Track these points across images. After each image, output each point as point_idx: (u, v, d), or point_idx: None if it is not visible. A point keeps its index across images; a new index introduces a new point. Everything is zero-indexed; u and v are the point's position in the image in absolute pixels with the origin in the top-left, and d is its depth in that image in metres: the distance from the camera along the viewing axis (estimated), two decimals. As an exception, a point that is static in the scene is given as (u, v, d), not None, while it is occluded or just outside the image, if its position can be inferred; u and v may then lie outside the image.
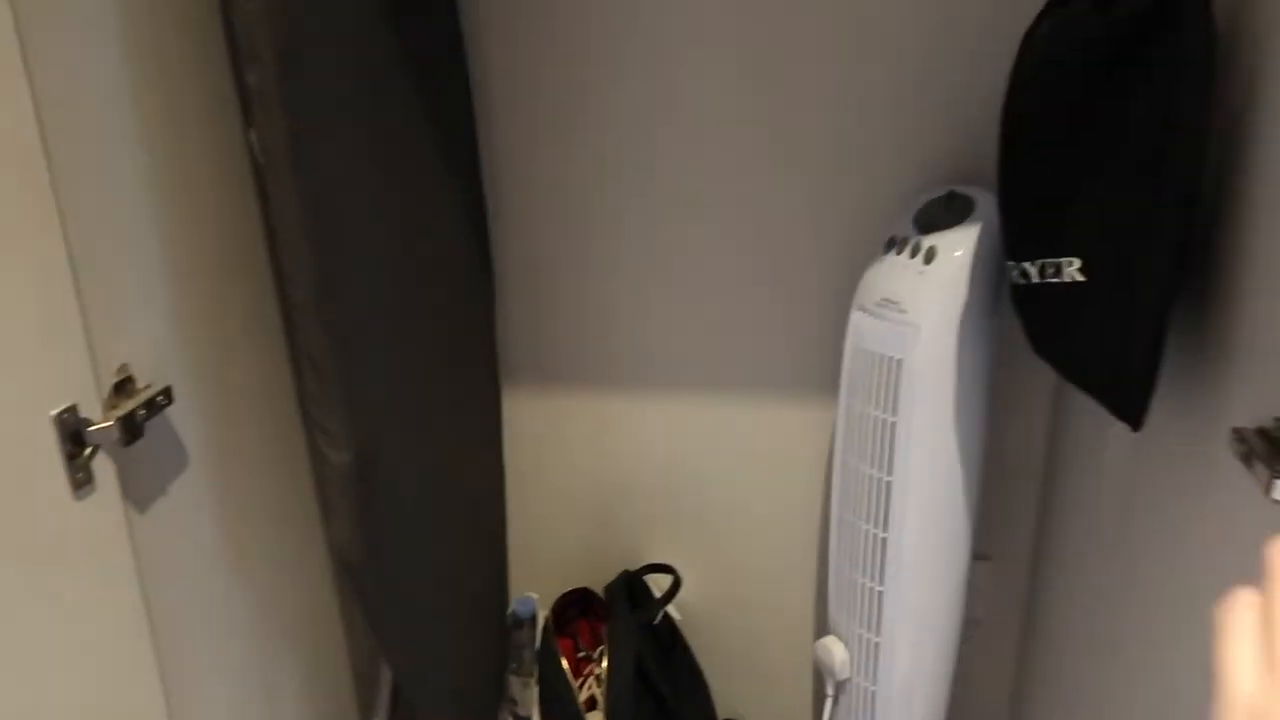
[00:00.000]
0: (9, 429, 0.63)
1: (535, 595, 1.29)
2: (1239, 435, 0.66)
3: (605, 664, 1.13)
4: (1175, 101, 0.69)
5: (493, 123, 1.16)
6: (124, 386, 0.75)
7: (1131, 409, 0.75)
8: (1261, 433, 0.65)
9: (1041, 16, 0.82)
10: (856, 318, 1.08)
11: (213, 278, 0.89)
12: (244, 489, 0.94)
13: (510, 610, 1.26)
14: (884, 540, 1.08)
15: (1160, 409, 0.83)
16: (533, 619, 1.25)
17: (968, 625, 1.23)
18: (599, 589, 1.29)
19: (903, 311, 1.01)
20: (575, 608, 1.29)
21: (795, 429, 1.24)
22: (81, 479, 0.70)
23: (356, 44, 0.86)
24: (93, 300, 0.71)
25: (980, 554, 1.27)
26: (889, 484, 1.06)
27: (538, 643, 1.24)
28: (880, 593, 1.10)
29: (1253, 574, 0.68)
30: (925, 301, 1.00)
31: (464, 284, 1.09)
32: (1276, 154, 0.68)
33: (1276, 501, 0.62)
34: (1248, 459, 0.65)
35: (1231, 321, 0.73)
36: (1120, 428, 0.79)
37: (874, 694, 1.15)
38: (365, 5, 0.87)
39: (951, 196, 1.05)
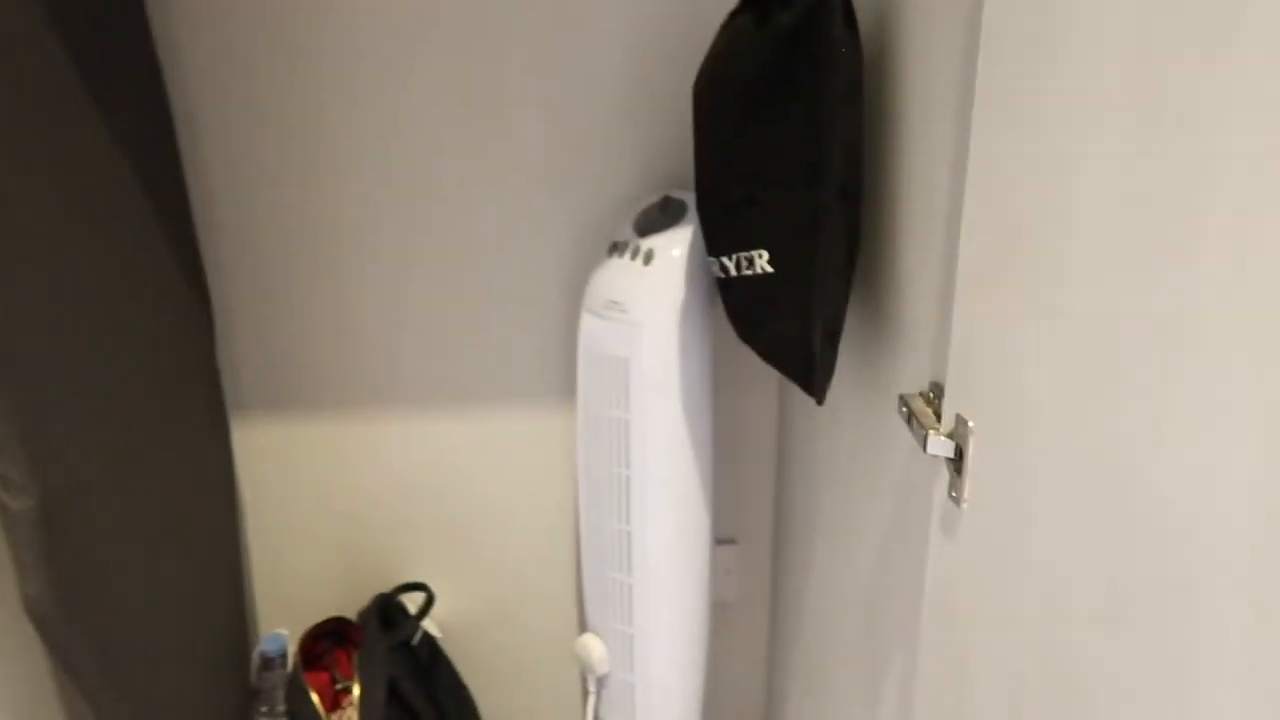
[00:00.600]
0: None
1: (286, 632, 1.24)
2: (903, 400, 0.74)
3: (358, 691, 1.10)
4: (826, 111, 0.76)
5: (202, 147, 1.10)
6: None
7: (816, 385, 0.82)
8: (920, 396, 0.73)
9: (721, 28, 0.88)
10: (586, 320, 1.11)
11: None
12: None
13: (258, 650, 1.20)
14: (628, 534, 1.11)
15: (846, 383, 0.92)
16: (284, 656, 1.19)
17: (718, 609, 1.29)
18: (355, 617, 1.25)
19: (625, 312, 1.05)
20: (329, 639, 1.24)
21: (541, 434, 1.26)
22: None
23: (22, 62, 0.80)
24: None
25: (726, 538, 1.34)
26: (628, 478, 1.09)
27: (291, 680, 1.18)
28: (630, 585, 1.13)
29: (922, 524, 0.76)
30: (646, 301, 1.05)
31: (175, 318, 1.03)
32: (920, 155, 0.76)
33: (933, 455, 0.69)
34: (909, 420, 0.72)
35: (896, 304, 0.82)
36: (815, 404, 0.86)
37: (633, 685, 1.18)
38: (27, 16, 0.80)
39: (666, 201, 1.11)
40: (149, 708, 0.91)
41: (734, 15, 0.82)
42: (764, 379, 1.27)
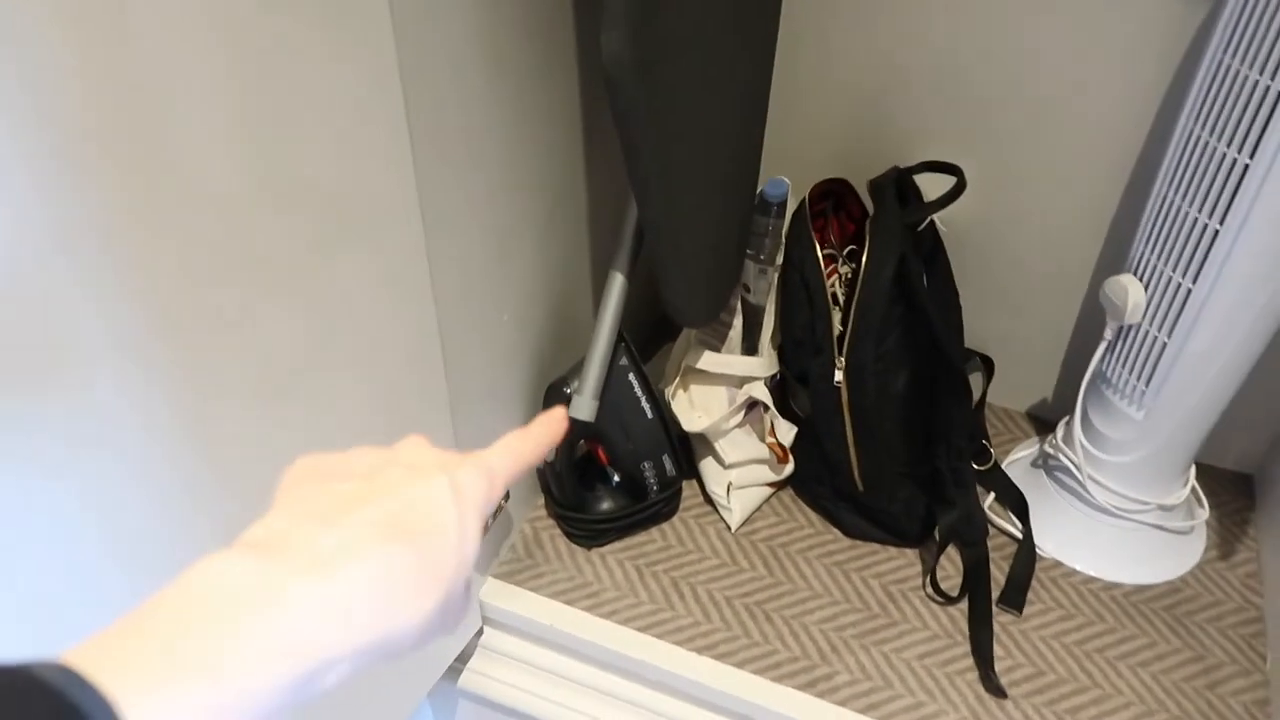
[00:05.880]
0: None
1: (788, 179, 1.17)
2: None
3: (864, 258, 1.02)
4: None
5: None
6: None
7: None
8: None
9: None
10: None
11: None
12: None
13: (759, 190, 1.15)
14: (1245, 167, 0.86)
15: None
16: (782, 204, 1.13)
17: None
18: (858, 183, 1.16)
19: None
20: (827, 200, 1.16)
21: (1136, 24, 0.99)
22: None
23: None
24: None
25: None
26: (1268, 91, 0.82)
27: (783, 230, 1.13)
28: (1217, 231, 0.91)
29: None
30: None
31: None
32: None
33: None
34: None
35: None
36: None
37: (1165, 347, 1.00)
38: None
39: None
40: (672, 194, 0.88)
41: None
42: None
